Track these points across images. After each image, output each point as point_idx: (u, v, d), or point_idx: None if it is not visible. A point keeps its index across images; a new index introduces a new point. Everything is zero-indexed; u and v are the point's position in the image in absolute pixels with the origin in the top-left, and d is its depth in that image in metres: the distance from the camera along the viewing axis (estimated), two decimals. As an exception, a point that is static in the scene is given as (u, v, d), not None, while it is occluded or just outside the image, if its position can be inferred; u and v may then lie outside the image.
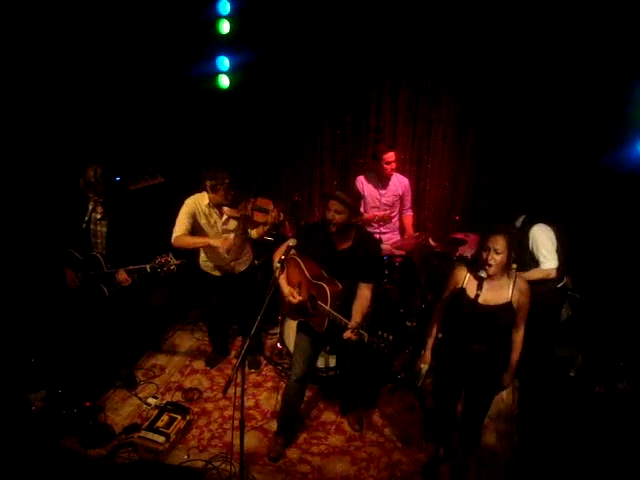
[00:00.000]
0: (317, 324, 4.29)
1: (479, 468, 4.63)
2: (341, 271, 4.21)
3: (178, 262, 4.82)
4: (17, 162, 5.52)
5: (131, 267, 4.90)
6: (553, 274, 4.73)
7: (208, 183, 4.98)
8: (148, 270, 4.84)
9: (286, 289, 4.36)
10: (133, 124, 6.52)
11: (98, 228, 5.00)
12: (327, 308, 4.11)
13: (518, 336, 4.01)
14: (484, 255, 3.80)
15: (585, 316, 5.57)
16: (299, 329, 4.61)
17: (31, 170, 5.58)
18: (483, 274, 3.80)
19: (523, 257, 4.67)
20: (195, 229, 5.12)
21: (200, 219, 5.13)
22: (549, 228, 4.77)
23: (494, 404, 5.21)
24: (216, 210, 5.15)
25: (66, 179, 5.16)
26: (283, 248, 4.13)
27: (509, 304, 3.89)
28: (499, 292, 3.91)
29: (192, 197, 5.14)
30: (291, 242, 4.11)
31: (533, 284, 4.10)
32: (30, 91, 5.54)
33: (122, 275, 4.91)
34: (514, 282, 3.90)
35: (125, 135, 6.43)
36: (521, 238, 4.69)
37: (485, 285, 3.82)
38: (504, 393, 5.41)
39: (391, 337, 3.77)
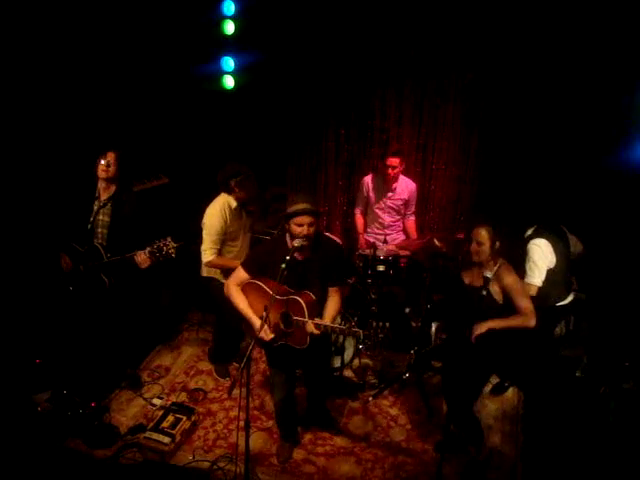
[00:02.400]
0: (298, 342, 4.09)
1: (485, 469, 4.62)
2: (307, 281, 4.08)
3: (177, 245, 4.71)
4: (25, 163, 5.54)
5: (129, 255, 4.81)
6: (533, 291, 4.57)
7: (234, 181, 4.95)
8: (147, 254, 4.72)
9: (257, 325, 4.04)
10: (138, 125, 6.53)
11: (100, 217, 4.94)
12: (306, 320, 3.95)
13: (512, 319, 4.06)
14: (469, 246, 4.09)
15: (590, 316, 5.56)
16: (270, 354, 4.42)
17: (40, 169, 5.60)
18: (488, 274, 3.87)
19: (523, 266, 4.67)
20: (226, 238, 5.07)
21: (230, 226, 5.06)
22: (549, 245, 4.63)
23: (499, 404, 5.23)
24: (244, 210, 5.15)
25: (74, 178, 5.17)
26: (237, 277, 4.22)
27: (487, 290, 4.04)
28: (479, 278, 4.13)
29: (217, 206, 5.00)
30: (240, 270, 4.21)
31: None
32: (38, 92, 5.56)
33: (140, 256, 4.72)
34: (496, 270, 4.06)
35: (130, 135, 6.43)
36: (524, 247, 4.71)
37: (476, 270, 4.16)
38: (509, 393, 5.41)
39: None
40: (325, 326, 3.93)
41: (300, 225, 3.88)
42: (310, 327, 3.92)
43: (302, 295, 4.00)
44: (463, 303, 4.27)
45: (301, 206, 3.88)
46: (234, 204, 5.04)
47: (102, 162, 4.81)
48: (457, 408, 4.45)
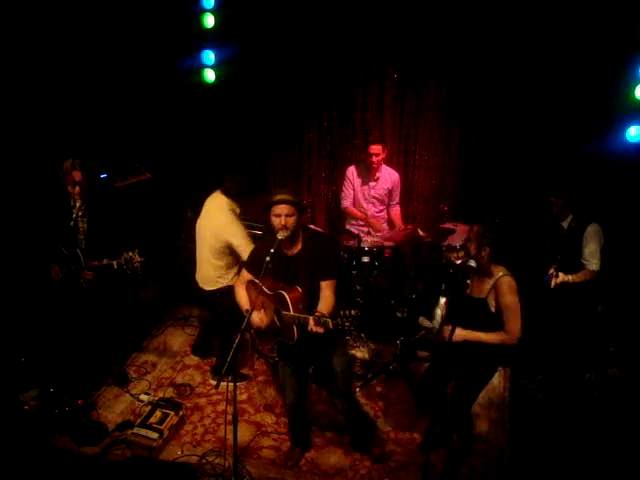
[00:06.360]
0: (287, 337, 4.03)
1: (472, 457, 4.65)
2: (298, 277, 4.00)
3: (141, 259, 4.73)
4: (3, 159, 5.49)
5: (98, 263, 4.81)
6: (594, 276, 4.78)
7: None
8: (115, 267, 4.75)
9: (255, 318, 4.12)
10: (119, 119, 6.49)
11: (79, 224, 4.94)
12: (290, 313, 3.92)
13: (494, 335, 3.92)
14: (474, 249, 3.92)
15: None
16: (280, 358, 4.44)
17: (17, 167, 5.55)
18: (472, 263, 3.84)
19: (575, 257, 4.79)
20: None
21: None
22: (600, 229, 4.79)
23: (485, 392, 5.25)
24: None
25: (52, 176, 5.13)
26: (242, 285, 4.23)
27: (484, 301, 3.93)
28: (480, 287, 3.99)
29: (226, 207, 4.88)
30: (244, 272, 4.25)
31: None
32: (16, 86, 5.51)
33: (87, 274, 4.88)
34: (495, 282, 3.89)
35: (111, 130, 6.41)
36: (572, 238, 4.79)
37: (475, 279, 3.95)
38: (495, 381, 5.43)
39: (354, 312, 3.67)
40: (325, 321, 3.73)
41: (278, 216, 3.86)
42: (311, 326, 3.76)
43: (289, 290, 3.97)
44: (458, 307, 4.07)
45: (278, 197, 3.88)
46: (238, 210, 4.96)
47: (70, 184, 4.76)
48: (458, 409, 4.40)
